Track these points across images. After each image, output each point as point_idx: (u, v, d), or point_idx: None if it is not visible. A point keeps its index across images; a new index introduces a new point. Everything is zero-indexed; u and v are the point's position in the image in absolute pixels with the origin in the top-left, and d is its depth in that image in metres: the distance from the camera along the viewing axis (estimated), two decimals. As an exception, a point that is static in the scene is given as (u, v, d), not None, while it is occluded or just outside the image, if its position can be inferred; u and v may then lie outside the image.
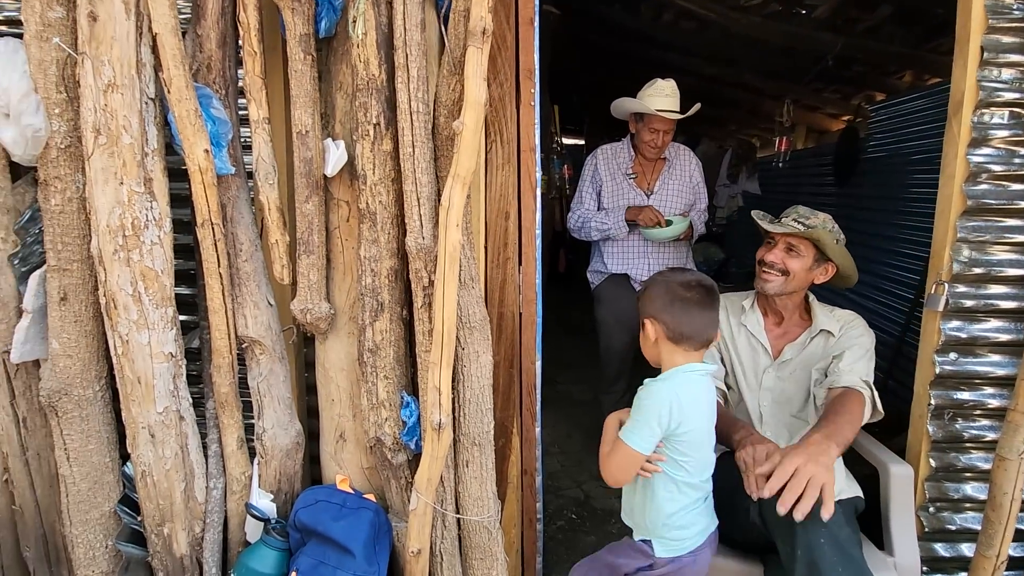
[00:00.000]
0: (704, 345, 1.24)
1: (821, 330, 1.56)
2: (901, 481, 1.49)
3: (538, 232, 1.67)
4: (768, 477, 1.14)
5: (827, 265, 1.56)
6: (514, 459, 1.73)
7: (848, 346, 1.51)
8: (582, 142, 8.34)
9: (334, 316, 1.44)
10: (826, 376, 1.49)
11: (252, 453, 1.48)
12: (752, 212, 1.68)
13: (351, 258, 1.43)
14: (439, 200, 1.27)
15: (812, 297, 1.65)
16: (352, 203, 1.41)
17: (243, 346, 1.42)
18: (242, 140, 1.42)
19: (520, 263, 1.68)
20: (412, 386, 1.45)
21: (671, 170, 2.45)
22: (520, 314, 1.71)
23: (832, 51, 3.22)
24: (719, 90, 4.87)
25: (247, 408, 1.46)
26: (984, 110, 1.45)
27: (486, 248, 1.63)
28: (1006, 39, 1.43)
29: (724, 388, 1.64)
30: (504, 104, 1.56)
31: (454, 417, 1.40)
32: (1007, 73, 1.44)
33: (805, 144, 4.96)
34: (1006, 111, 1.45)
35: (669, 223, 2.27)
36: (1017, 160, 1.49)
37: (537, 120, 1.63)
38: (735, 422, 1.43)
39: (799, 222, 1.55)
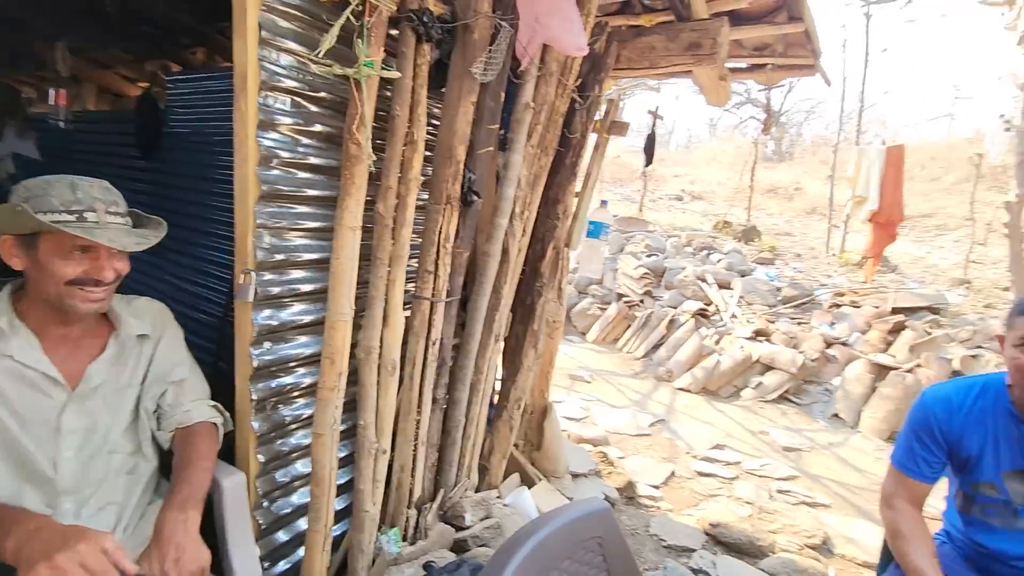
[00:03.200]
0: None
1: (137, 335, 1.23)
2: (234, 491, 1.35)
3: None
4: None
5: None
6: None
7: (177, 361, 1.29)
8: None
9: None
10: (160, 408, 1.26)
11: None
12: (19, 205, 1.05)
13: None
14: None
15: None
16: None
17: None
18: None
19: None
20: None
21: None
22: None
23: (110, -6, 2.70)
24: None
25: None
26: (269, 93, 1.41)
27: None
28: (282, 23, 1.42)
29: None
30: None
31: None
32: (285, 59, 1.44)
33: (99, 105, 4.19)
34: (288, 98, 1.46)
35: None
36: (300, 149, 1.54)
37: None
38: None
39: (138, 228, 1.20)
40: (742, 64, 2.60)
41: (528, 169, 1.92)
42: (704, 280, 6.46)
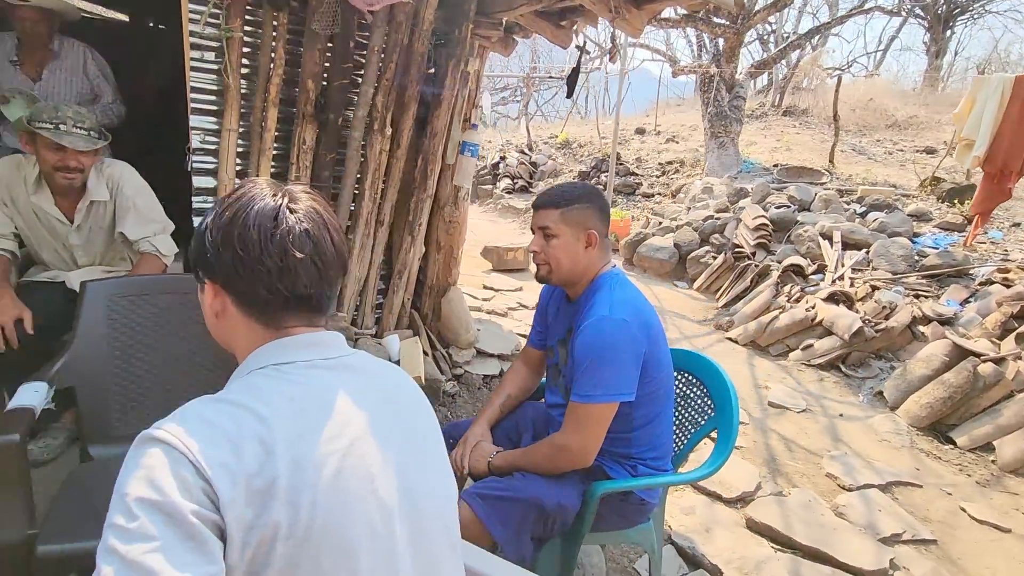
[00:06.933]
0: None
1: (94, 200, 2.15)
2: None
3: None
4: None
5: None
6: None
7: (131, 206, 2.18)
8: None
9: None
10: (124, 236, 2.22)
11: None
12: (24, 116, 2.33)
13: None
14: None
15: None
16: None
17: None
18: None
19: None
20: None
21: (61, 61, 2.93)
22: None
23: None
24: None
25: None
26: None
27: None
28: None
29: None
30: None
31: None
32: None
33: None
34: (200, 52, 2.49)
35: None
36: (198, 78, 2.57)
37: None
38: None
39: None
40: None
41: (385, 97, 2.62)
42: (829, 237, 5.72)
